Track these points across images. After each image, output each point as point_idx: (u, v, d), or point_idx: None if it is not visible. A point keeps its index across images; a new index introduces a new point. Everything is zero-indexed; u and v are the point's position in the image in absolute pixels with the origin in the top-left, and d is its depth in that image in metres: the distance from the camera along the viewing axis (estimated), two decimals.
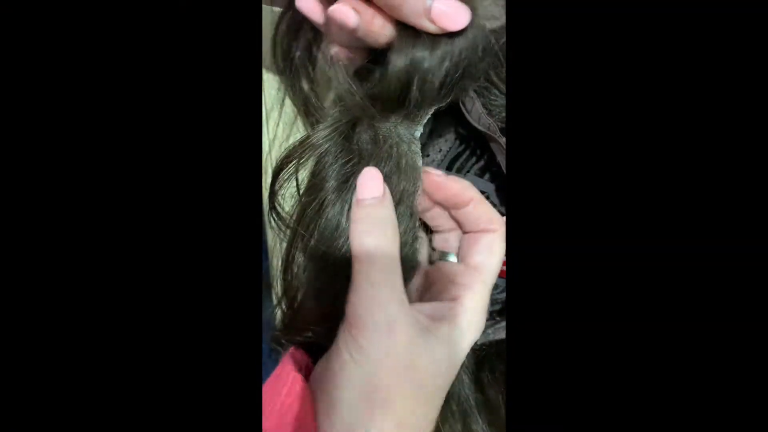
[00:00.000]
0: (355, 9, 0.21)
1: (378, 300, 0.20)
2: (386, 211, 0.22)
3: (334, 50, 0.24)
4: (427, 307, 0.22)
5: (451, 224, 0.25)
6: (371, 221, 0.21)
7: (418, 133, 0.24)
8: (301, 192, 0.25)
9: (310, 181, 0.24)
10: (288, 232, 0.25)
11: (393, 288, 0.20)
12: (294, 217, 0.25)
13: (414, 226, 0.25)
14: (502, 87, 0.24)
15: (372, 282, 0.20)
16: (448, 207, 0.25)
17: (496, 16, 0.21)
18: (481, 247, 0.24)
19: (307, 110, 0.29)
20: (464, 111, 0.25)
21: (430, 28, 0.21)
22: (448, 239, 0.26)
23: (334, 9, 0.21)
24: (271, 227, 0.26)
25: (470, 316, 0.22)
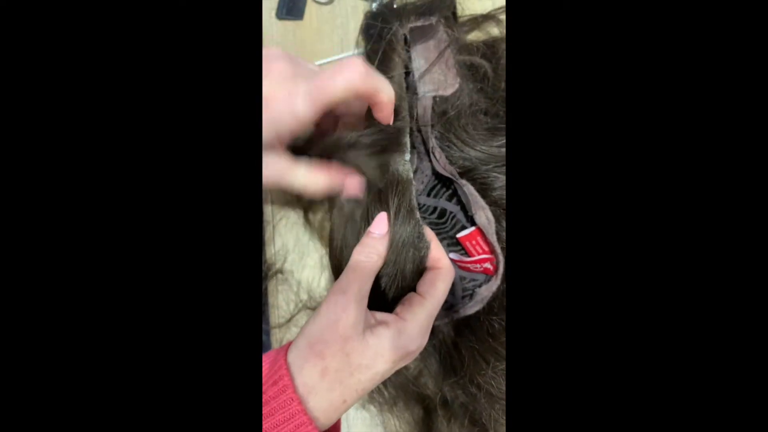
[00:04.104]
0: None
1: (343, 301, 0.28)
2: (383, 244, 0.32)
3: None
4: (380, 314, 0.30)
5: None
6: (369, 249, 0.31)
7: (407, 157, 0.33)
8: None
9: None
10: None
11: (358, 293, 0.29)
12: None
13: (416, 223, 0.33)
14: (460, 145, 0.36)
15: (343, 287, 0.29)
16: None
17: None
18: (426, 279, 0.32)
19: None
20: (434, 159, 0.36)
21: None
22: None
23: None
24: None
25: (408, 329, 0.29)
